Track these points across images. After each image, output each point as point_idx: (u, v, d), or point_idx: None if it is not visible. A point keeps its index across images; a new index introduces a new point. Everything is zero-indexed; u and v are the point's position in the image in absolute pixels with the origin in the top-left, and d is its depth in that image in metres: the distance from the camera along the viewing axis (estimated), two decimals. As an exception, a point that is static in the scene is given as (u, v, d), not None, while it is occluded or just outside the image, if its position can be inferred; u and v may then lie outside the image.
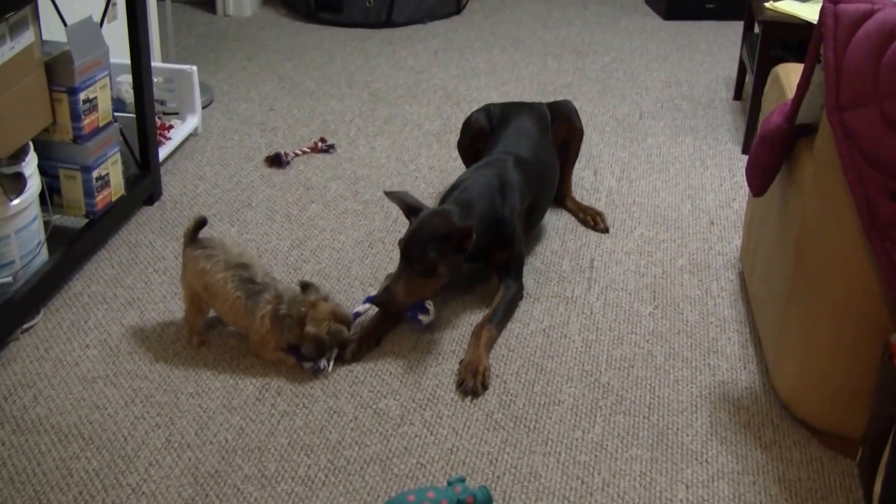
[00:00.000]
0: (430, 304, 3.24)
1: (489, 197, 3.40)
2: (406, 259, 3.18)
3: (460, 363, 3.11)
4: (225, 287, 3.05)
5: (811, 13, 4.28)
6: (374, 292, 3.29)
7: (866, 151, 2.42)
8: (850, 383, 2.67)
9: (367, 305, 3.25)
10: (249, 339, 3.12)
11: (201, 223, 3.15)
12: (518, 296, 3.40)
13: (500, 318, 3.27)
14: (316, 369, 3.05)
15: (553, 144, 3.92)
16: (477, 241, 3.25)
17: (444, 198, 3.49)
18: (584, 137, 4.11)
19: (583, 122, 4.07)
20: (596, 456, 2.79)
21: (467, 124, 3.99)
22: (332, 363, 3.08)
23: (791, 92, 2.90)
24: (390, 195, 3.38)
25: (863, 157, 2.43)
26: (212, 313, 3.22)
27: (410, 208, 3.32)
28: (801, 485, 2.71)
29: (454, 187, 3.50)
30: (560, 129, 3.98)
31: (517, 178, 3.53)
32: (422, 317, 3.22)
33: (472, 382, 3.01)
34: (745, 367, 3.14)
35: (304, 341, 3.02)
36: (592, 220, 3.90)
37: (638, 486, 2.70)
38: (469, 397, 2.99)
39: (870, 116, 2.39)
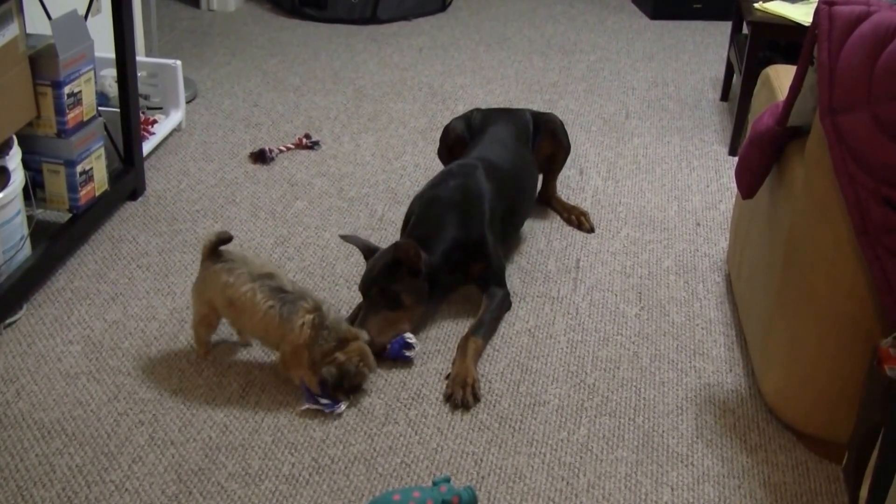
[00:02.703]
0: (411, 338, 3.14)
1: (449, 216, 3.35)
2: (367, 298, 3.18)
3: (447, 377, 3.06)
4: (254, 298, 2.90)
5: (801, 14, 4.28)
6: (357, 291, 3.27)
7: (858, 155, 2.41)
8: (836, 388, 2.67)
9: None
10: (281, 353, 2.96)
11: (224, 239, 2.99)
12: (504, 304, 3.35)
13: (487, 328, 3.22)
14: (330, 408, 2.92)
15: (532, 152, 3.87)
16: (449, 258, 3.27)
17: (408, 214, 3.47)
18: (571, 137, 4.07)
19: (569, 120, 4.08)
20: (581, 457, 2.78)
21: (445, 134, 3.95)
22: (343, 406, 2.94)
23: (782, 94, 2.90)
24: (347, 238, 3.39)
25: (854, 161, 2.42)
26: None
27: (368, 250, 3.32)
28: (787, 489, 2.71)
29: (419, 200, 3.46)
30: (544, 144, 3.92)
31: (486, 185, 3.47)
32: (407, 352, 3.12)
33: (462, 395, 2.97)
34: (730, 370, 3.14)
35: (326, 364, 2.90)
36: (577, 219, 3.88)
37: (623, 487, 2.69)
38: (459, 410, 2.95)
39: (863, 120, 2.38)
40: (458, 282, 3.39)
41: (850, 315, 2.58)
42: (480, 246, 3.36)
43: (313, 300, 2.93)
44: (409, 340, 3.13)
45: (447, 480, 2.58)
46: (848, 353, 2.61)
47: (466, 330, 3.21)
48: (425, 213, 3.38)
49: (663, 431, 2.89)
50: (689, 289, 3.53)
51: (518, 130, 3.87)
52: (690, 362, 3.17)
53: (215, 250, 2.99)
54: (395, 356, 3.11)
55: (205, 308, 3.03)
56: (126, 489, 2.61)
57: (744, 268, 3.22)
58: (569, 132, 4.02)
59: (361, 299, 3.29)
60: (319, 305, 2.92)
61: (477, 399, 2.98)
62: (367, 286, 3.18)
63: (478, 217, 3.39)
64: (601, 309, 3.41)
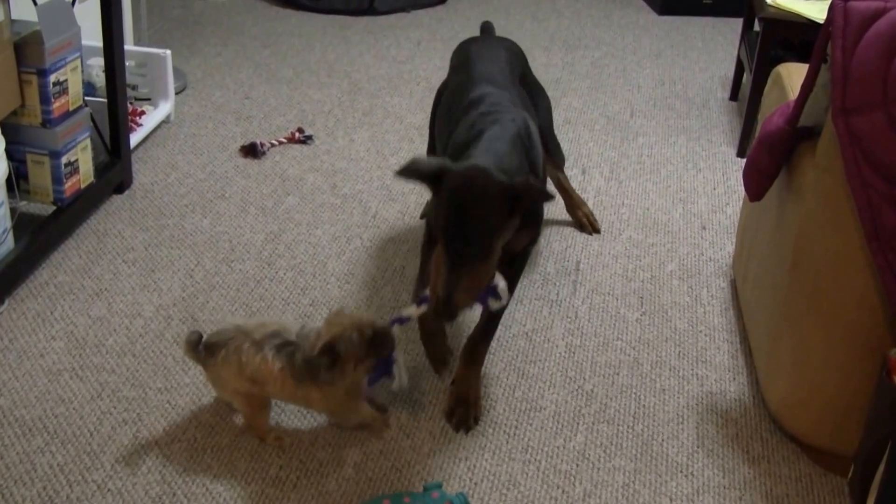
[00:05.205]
0: (500, 283, 2.59)
1: (518, 153, 2.70)
2: (455, 245, 2.47)
3: (452, 383, 2.94)
4: (268, 366, 2.60)
5: (815, 11, 4.27)
6: (360, 292, 3.20)
7: (872, 157, 2.37)
8: (843, 399, 2.63)
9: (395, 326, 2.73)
10: (329, 407, 2.73)
11: (194, 340, 2.67)
12: (508, 300, 3.03)
13: (492, 327, 2.99)
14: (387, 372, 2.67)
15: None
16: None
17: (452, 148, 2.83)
18: (573, 135, 3.98)
19: (572, 118, 4.05)
20: (578, 465, 2.74)
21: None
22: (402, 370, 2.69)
23: (793, 93, 2.87)
24: (402, 172, 2.58)
25: (868, 164, 2.38)
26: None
27: (432, 175, 2.53)
28: (789, 501, 2.67)
29: (475, 139, 2.73)
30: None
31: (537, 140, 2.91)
32: (492, 302, 2.61)
33: (464, 415, 2.85)
34: (734, 379, 3.09)
35: (322, 356, 2.59)
36: (581, 221, 3.79)
37: (620, 497, 2.65)
38: (460, 430, 2.86)
39: (878, 121, 2.34)
40: None
41: (860, 324, 2.54)
42: (538, 205, 2.86)
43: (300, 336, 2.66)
44: (498, 289, 2.60)
45: (439, 486, 2.55)
46: (856, 363, 2.57)
47: (472, 329, 3.02)
48: (494, 138, 2.70)
49: (663, 440, 2.85)
50: (693, 294, 3.49)
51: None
52: (692, 369, 3.13)
53: (196, 348, 2.70)
54: (481, 303, 2.62)
55: (242, 396, 2.71)
56: (109, 489, 2.58)
57: (750, 273, 3.18)
58: (572, 130, 3.97)
59: (349, 298, 3.24)
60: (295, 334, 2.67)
61: (476, 421, 2.86)
62: (459, 227, 2.46)
63: (536, 166, 2.81)
64: (601, 313, 3.36)
